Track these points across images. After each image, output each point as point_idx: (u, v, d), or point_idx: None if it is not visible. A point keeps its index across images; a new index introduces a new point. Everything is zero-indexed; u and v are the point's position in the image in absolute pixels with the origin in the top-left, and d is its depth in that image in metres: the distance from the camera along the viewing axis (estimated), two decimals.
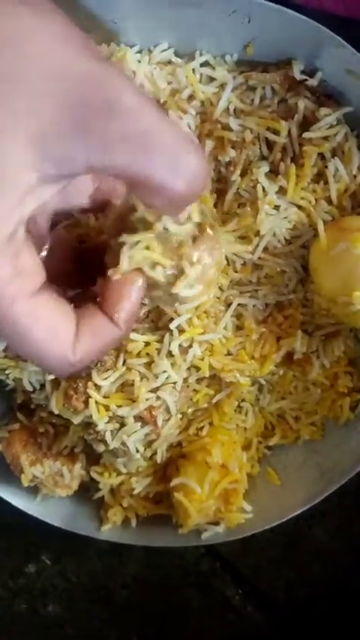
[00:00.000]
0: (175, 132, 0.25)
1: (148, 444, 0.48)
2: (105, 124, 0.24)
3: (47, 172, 0.24)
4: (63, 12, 0.27)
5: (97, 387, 0.44)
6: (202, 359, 0.46)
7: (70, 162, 0.24)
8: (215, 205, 0.45)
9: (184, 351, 0.45)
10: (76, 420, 0.45)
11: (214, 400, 0.48)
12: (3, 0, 0.24)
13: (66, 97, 0.24)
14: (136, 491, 0.50)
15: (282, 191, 0.44)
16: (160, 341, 0.45)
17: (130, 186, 0.27)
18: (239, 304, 0.46)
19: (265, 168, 0.44)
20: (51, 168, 0.24)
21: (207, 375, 0.46)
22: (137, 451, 0.47)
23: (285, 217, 0.44)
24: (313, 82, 0.45)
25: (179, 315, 0.43)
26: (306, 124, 0.45)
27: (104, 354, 0.41)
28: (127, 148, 0.24)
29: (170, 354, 0.45)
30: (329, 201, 0.45)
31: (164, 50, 0.46)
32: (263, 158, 0.45)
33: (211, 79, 0.46)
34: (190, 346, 0.45)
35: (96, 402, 0.44)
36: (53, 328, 0.27)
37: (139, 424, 0.45)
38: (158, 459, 0.49)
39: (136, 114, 0.24)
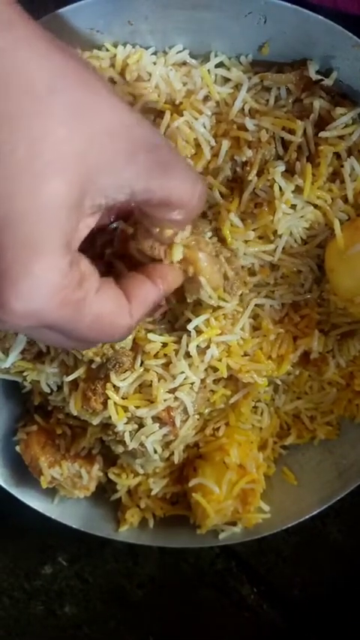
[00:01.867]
0: (186, 162, 0.36)
1: (166, 444, 0.48)
2: (146, 156, 0.31)
3: (98, 203, 0.30)
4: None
5: (116, 388, 0.44)
6: (220, 360, 0.46)
7: (118, 192, 0.31)
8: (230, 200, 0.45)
9: (201, 352, 0.45)
10: (95, 421, 0.45)
11: (231, 401, 0.48)
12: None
13: (119, 141, 0.30)
14: (153, 492, 0.51)
15: (298, 190, 0.44)
16: (178, 342, 0.45)
17: (143, 210, 0.35)
18: (256, 305, 0.46)
19: (281, 167, 0.44)
20: (102, 199, 0.30)
21: (225, 375, 0.46)
22: (155, 452, 0.47)
23: (302, 217, 0.44)
24: (328, 81, 0.45)
25: (197, 317, 0.44)
26: (321, 123, 0.45)
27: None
28: (160, 173, 0.32)
29: (188, 355, 0.45)
30: (345, 200, 0.45)
31: (179, 52, 0.46)
32: (279, 158, 0.45)
33: (227, 80, 0.46)
34: (208, 347, 0.45)
35: (114, 403, 0.44)
36: (117, 310, 0.34)
37: (157, 425, 0.46)
38: (175, 459, 0.49)
39: (164, 148, 0.32)
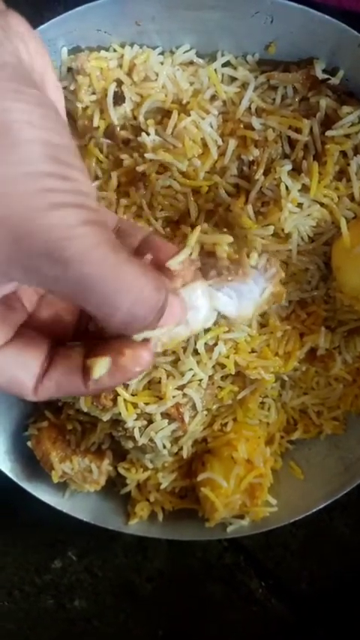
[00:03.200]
0: (118, 276, 0.27)
1: (175, 440, 0.48)
2: (43, 271, 0.26)
3: None
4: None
5: (125, 386, 0.45)
6: (228, 357, 0.46)
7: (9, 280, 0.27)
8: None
9: (209, 349, 0.46)
10: (105, 417, 0.46)
11: (239, 397, 0.49)
12: None
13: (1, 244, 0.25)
14: (162, 487, 0.51)
15: (305, 189, 0.45)
16: (186, 339, 0.45)
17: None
18: None
19: (287, 166, 0.45)
20: None
21: (232, 372, 0.47)
22: (164, 447, 0.47)
23: (308, 215, 0.45)
24: (334, 80, 0.46)
25: None
26: (328, 122, 0.45)
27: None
28: (64, 287, 0.26)
29: (196, 352, 0.45)
30: (352, 199, 0.45)
31: (186, 51, 0.47)
32: (286, 156, 0.46)
33: (233, 79, 0.47)
34: (216, 344, 0.46)
35: (124, 400, 0.45)
36: (10, 379, 0.31)
37: (166, 421, 0.46)
38: (184, 454, 0.49)
39: (70, 262, 0.25)
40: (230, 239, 0.38)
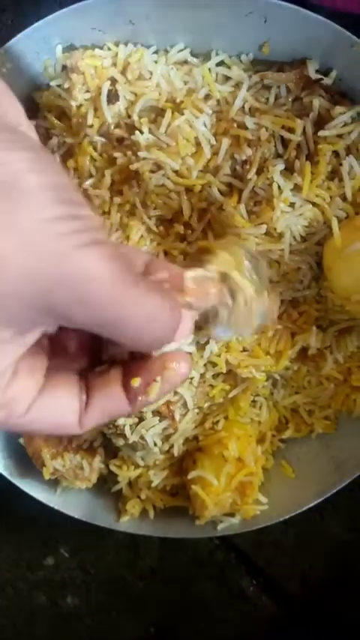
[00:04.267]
0: (143, 308, 0.27)
1: (166, 437, 0.49)
2: (77, 317, 0.26)
3: (20, 329, 0.27)
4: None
5: None
6: (219, 355, 0.47)
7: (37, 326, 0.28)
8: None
9: (201, 347, 0.46)
10: None
11: (230, 395, 0.49)
12: None
13: (33, 299, 0.25)
14: (153, 484, 0.51)
15: (297, 188, 0.45)
16: None
17: None
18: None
19: (280, 166, 0.45)
20: (15, 329, 0.27)
21: (224, 371, 0.47)
22: (155, 445, 0.48)
23: (300, 215, 0.45)
24: (327, 80, 0.46)
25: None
26: (321, 122, 0.46)
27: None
28: (96, 327, 0.27)
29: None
30: (344, 199, 0.45)
31: (180, 50, 0.47)
32: (278, 156, 0.46)
33: (227, 79, 0.47)
34: (207, 343, 0.46)
35: None
36: (56, 423, 0.31)
37: (157, 419, 0.46)
38: (175, 452, 0.50)
39: (104, 304, 0.26)
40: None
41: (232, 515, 0.51)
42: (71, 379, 0.31)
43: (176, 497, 0.53)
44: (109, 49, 0.47)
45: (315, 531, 0.58)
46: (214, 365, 0.47)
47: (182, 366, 0.32)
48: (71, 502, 0.52)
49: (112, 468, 0.51)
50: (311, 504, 0.50)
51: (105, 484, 0.53)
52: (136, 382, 0.31)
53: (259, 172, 0.45)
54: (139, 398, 0.31)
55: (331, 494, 0.50)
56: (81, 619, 0.60)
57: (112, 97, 0.46)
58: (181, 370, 0.32)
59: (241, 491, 0.49)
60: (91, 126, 0.46)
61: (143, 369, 0.32)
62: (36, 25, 0.45)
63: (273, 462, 0.53)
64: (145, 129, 0.45)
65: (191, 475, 0.49)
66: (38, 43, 0.46)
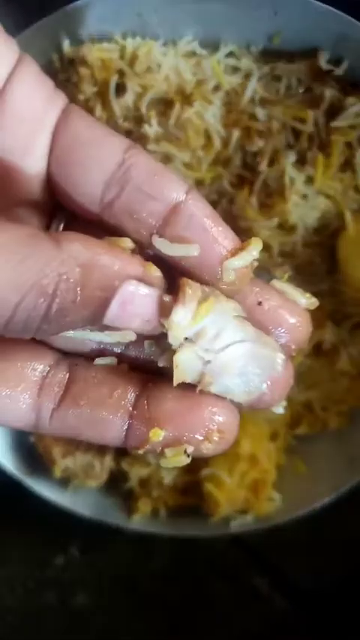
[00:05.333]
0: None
1: None
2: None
3: None
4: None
5: None
6: None
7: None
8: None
9: None
10: None
11: None
12: None
13: None
14: (164, 482, 0.51)
15: (309, 180, 0.44)
16: None
17: None
18: None
19: (292, 157, 0.44)
20: None
21: None
22: None
23: (313, 206, 0.44)
24: (338, 71, 0.45)
25: None
26: (332, 113, 0.45)
27: None
28: None
29: None
30: (357, 190, 0.45)
31: (189, 42, 0.46)
32: (290, 147, 0.45)
33: (236, 70, 0.46)
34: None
35: None
36: None
37: None
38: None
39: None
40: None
41: (245, 513, 0.50)
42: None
43: (188, 496, 0.52)
44: (117, 42, 0.46)
45: (327, 528, 0.58)
46: None
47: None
48: (82, 500, 0.52)
49: (124, 466, 0.51)
50: (325, 501, 0.50)
51: (116, 483, 0.53)
52: (157, 436, 0.23)
53: (270, 164, 0.44)
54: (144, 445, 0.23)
55: (345, 491, 0.50)
56: (91, 618, 0.59)
57: (120, 89, 0.45)
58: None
59: (254, 488, 0.48)
60: (100, 119, 0.46)
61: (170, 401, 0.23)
62: (45, 19, 0.44)
63: (286, 459, 0.52)
64: (153, 121, 0.45)
65: (204, 473, 0.48)
66: (46, 37, 0.46)
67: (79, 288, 0.21)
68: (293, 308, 0.25)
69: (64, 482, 0.51)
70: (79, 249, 0.21)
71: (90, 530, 0.55)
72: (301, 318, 0.25)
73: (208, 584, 0.59)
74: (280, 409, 0.25)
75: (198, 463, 0.50)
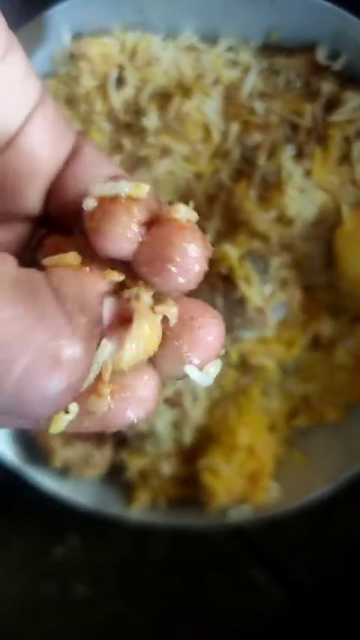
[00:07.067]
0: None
1: (176, 426, 0.48)
2: None
3: None
4: None
5: None
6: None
7: None
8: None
9: None
10: None
11: (241, 383, 0.49)
12: None
13: None
14: (163, 473, 0.51)
15: (307, 174, 0.45)
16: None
17: None
18: None
19: (290, 151, 0.45)
20: None
21: (235, 359, 0.47)
22: (165, 433, 0.48)
23: (311, 200, 0.45)
24: (336, 66, 0.46)
25: None
26: (330, 107, 0.45)
27: None
28: None
29: None
30: (354, 184, 0.45)
31: (188, 36, 0.47)
32: (288, 141, 0.46)
33: (235, 64, 0.47)
34: None
35: None
36: None
37: (167, 407, 0.46)
38: (186, 440, 0.49)
39: None
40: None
41: (243, 503, 0.51)
42: None
43: (187, 486, 0.53)
44: (117, 36, 0.47)
45: (326, 521, 0.58)
46: (225, 353, 0.47)
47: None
48: (81, 491, 0.52)
49: (123, 456, 0.51)
50: (323, 492, 0.50)
51: (115, 473, 0.53)
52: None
53: (269, 157, 0.44)
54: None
55: (343, 483, 0.50)
56: (90, 609, 0.60)
57: (120, 83, 0.46)
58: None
59: (252, 479, 0.49)
60: (99, 112, 0.46)
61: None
62: (46, 13, 0.45)
63: (284, 451, 0.53)
64: (153, 115, 0.45)
65: (202, 463, 0.49)
66: (46, 32, 0.46)
67: None
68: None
69: (64, 472, 0.51)
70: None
71: (89, 520, 0.56)
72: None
73: (207, 575, 0.59)
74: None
75: (196, 454, 0.51)
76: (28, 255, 0.25)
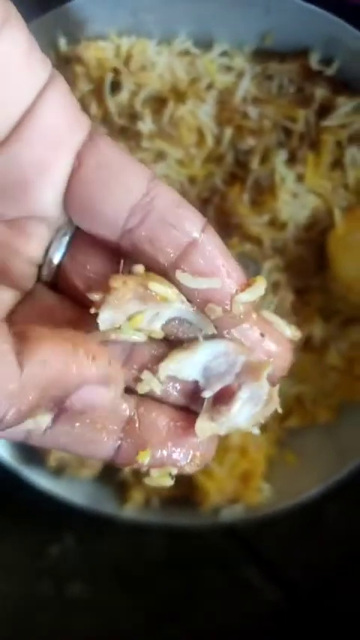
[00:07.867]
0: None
1: None
2: None
3: None
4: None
5: None
6: None
7: None
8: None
9: None
10: None
11: None
12: None
13: None
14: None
15: (300, 178, 0.45)
16: None
17: None
18: None
19: (283, 156, 0.45)
20: None
21: None
22: None
23: (303, 204, 0.45)
24: (329, 71, 0.46)
25: None
26: (323, 112, 0.46)
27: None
28: None
29: None
30: (347, 188, 0.46)
31: (183, 41, 0.47)
32: (281, 146, 0.46)
33: (229, 69, 0.47)
34: None
35: None
36: None
37: None
38: None
39: None
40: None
41: (235, 503, 0.51)
42: None
43: (180, 486, 0.53)
44: (112, 40, 0.47)
45: (319, 520, 0.58)
46: None
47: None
48: (76, 490, 0.53)
49: None
50: (315, 491, 0.51)
51: (109, 472, 0.54)
52: (145, 457, 0.24)
53: (262, 162, 0.45)
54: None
55: (336, 483, 0.51)
56: (85, 608, 0.60)
57: (115, 87, 0.46)
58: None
59: (244, 479, 0.49)
60: (94, 116, 0.46)
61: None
62: (41, 18, 0.45)
63: (276, 451, 0.53)
64: (147, 119, 0.46)
65: None
66: (43, 36, 0.46)
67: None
68: (279, 337, 0.27)
69: (59, 472, 0.52)
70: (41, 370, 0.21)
71: (85, 519, 0.56)
72: (284, 348, 0.26)
73: (201, 574, 0.60)
74: (256, 430, 0.27)
75: None
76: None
